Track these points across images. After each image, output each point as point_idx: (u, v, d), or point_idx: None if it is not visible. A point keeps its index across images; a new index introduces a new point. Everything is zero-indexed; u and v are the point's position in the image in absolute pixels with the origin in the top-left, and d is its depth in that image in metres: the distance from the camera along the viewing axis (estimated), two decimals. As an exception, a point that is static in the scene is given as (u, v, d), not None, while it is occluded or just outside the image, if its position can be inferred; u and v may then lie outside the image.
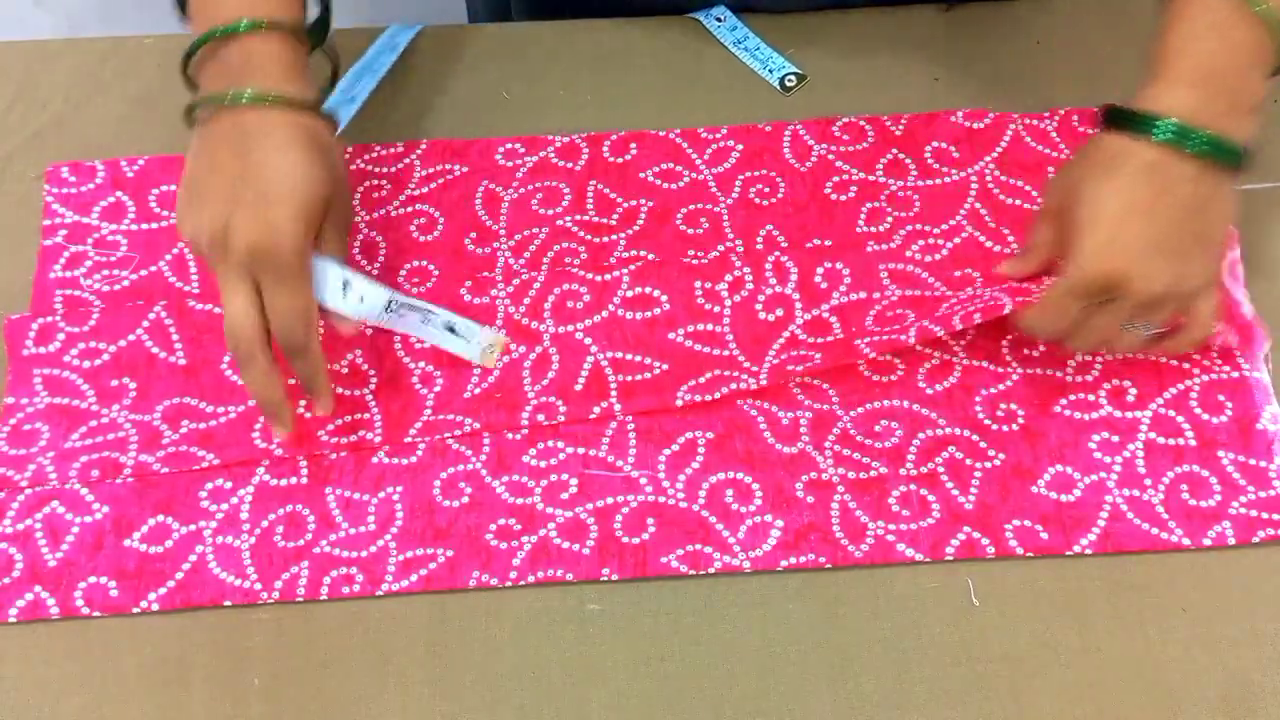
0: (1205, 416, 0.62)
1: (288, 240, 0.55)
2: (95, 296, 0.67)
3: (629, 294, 0.67)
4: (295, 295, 0.57)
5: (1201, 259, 0.57)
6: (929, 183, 0.70)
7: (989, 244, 0.68)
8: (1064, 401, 0.63)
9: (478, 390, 0.64)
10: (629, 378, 0.64)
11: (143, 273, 0.68)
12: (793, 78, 0.74)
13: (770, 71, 0.75)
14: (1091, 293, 0.56)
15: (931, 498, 0.61)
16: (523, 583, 0.59)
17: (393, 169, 0.72)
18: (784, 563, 0.59)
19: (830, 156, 0.71)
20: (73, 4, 1.37)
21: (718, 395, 0.63)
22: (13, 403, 0.64)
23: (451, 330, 0.63)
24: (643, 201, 0.70)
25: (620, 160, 0.72)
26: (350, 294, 0.60)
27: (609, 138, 0.72)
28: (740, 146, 0.72)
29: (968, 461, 0.62)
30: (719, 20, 0.77)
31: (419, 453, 0.62)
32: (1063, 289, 0.57)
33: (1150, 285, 0.56)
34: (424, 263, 0.68)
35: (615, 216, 0.70)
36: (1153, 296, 0.56)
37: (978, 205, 0.69)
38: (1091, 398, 0.63)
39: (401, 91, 0.75)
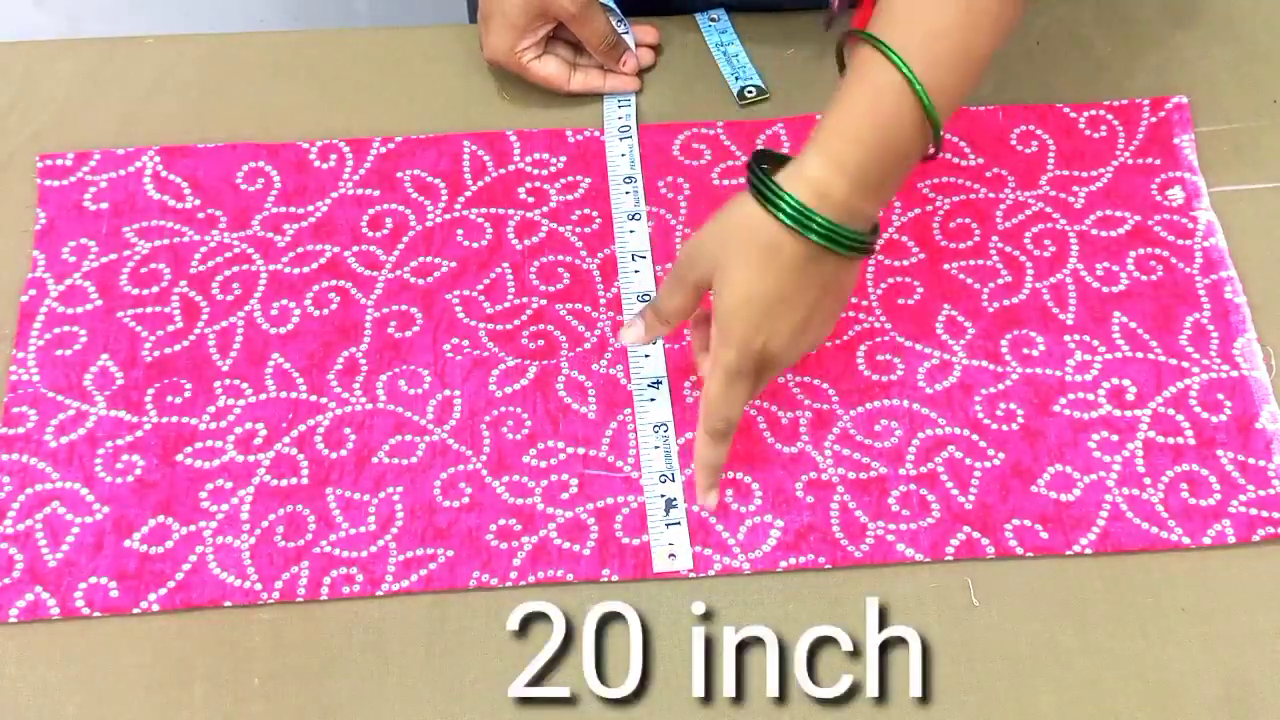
0: (1204, 415, 0.62)
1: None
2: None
3: None
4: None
5: (817, 329, 0.58)
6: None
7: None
8: (1063, 401, 0.63)
9: None
10: None
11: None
12: (753, 90, 0.74)
13: (736, 79, 0.74)
14: (754, 370, 0.57)
15: (931, 497, 0.61)
16: (523, 583, 0.59)
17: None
18: (784, 563, 0.59)
19: None
20: (73, 4, 1.37)
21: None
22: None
23: None
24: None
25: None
26: None
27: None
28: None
29: (967, 461, 0.62)
30: (712, 20, 0.77)
31: (419, 453, 0.62)
32: (724, 380, 0.57)
33: (794, 356, 0.58)
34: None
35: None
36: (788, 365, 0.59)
37: None
38: (1091, 397, 0.63)
39: (401, 92, 0.75)
